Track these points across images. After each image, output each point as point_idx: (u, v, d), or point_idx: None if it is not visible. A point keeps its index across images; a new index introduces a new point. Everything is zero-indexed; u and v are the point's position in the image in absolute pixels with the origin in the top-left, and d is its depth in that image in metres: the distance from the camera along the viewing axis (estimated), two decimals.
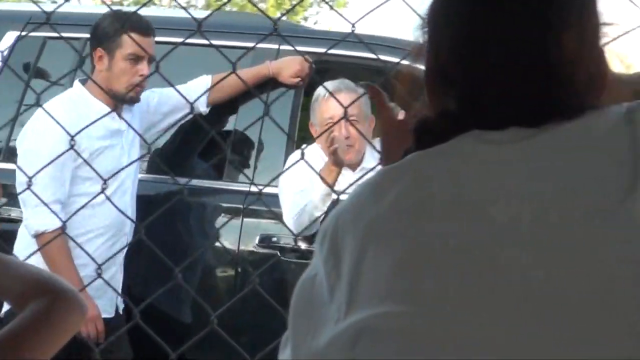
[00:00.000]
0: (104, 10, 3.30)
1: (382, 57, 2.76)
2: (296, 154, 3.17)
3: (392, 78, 2.38)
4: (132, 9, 4.01)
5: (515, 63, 0.93)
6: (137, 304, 3.15)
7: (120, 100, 3.12)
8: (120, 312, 3.22)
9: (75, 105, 2.95)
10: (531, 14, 0.93)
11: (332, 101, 3.07)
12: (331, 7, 2.82)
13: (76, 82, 3.15)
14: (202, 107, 3.40)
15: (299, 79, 3.41)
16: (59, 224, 2.89)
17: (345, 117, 2.53)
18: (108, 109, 3.05)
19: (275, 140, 3.39)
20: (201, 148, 3.60)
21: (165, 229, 3.25)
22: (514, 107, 0.92)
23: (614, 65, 1.02)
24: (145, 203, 3.21)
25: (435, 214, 0.90)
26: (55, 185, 2.91)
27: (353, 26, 1.97)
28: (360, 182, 0.98)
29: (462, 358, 0.84)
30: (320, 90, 3.22)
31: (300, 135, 3.67)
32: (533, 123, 0.91)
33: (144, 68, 3.11)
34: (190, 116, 3.31)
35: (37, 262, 2.87)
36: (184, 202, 3.28)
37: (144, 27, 3.11)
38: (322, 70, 3.46)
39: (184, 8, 2.42)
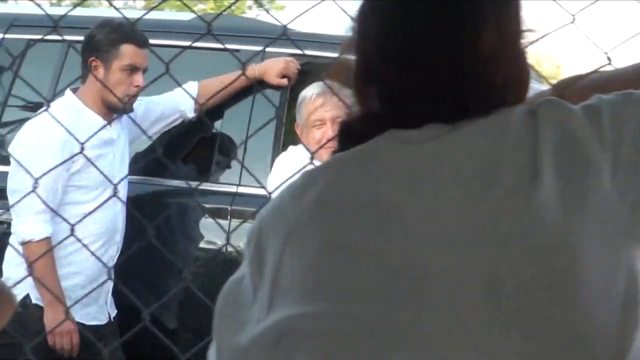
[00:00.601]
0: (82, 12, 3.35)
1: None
2: (284, 156, 3.22)
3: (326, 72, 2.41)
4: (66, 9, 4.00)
5: (432, 61, 0.95)
6: (126, 310, 3.20)
7: (114, 110, 3.17)
8: (112, 319, 3.25)
9: (68, 114, 2.99)
10: (449, 14, 0.95)
11: (320, 103, 3.12)
12: (262, 8, 2.85)
13: (68, 91, 3.20)
14: (190, 113, 3.45)
15: (285, 78, 3.46)
16: (46, 233, 2.94)
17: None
18: (100, 118, 3.10)
19: (261, 141, 3.42)
20: (187, 151, 3.65)
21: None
22: (430, 105, 0.94)
23: (545, 67, 1.06)
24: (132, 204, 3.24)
25: (352, 216, 0.92)
26: (48, 194, 2.95)
27: (285, 28, 2.03)
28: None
29: (381, 357, 0.86)
30: (306, 92, 3.25)
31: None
32: (449, 120, 0.93)
33: (139, 79, 3.16)
34: (179, 122, 3.38)
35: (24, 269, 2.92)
36: (167, 204, 3.33)
37: (140, 39, 3.16)
38: (306, 71, 3.50)
39: (117, 9, 2.44)
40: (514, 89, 0.97)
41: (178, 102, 3.35)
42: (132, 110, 3.22)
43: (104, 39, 3.14)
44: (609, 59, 2.04)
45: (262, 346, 0.90)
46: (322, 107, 3.15)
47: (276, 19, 2.24)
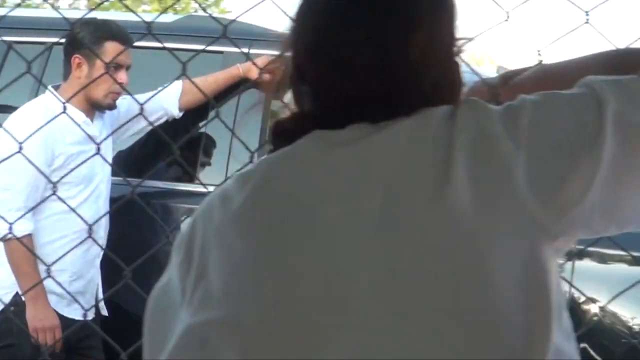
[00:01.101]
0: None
1: None
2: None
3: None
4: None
5: (360, 63, 0.96)
6: (111, 306, 3.21)
7: (97, 108, 3.18)
8: (102, 316, 3.26)
9: (49, 112, 3.00)
10: (379, 18, 0.96)
11: None
12: (203, 9, 2.86)
13: (48, 89, 3.21)
14: (175, 111, 3.46)
15: (270, 75, 3.46)
16: (27, 230, 2.96)
17: None
18: (82, 115, 3.11)
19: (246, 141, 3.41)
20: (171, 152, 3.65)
21: (136, 231, 3.31)
22: (356, 106, 0.96)
23: (485, 67, 1.07)
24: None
25: (273, 218, 0.93)
26: (29, 191, 2.96)
27: (225, 27, 2.04)
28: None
29: (303, 355, 0.87)
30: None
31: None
32: (374, 121, 0.94)
33: (123, 76, 3.17)
34: (163, 121, 3.38)
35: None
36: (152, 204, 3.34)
37: (124, 36, 3.17)
38: None
39: (55, 8, 2.46)
40: (443, 93, 0.98)
41: (162, 100, 3.36)
42: (115, 107, 3.23)
43: (88, 37, 3.15)
44: (540, 57, 2.05)
45: (189, 348, 0.91)
46: None
47: (215, 18, 2.25)
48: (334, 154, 0.94)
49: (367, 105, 0.95)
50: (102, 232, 3.19)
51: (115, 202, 3.19)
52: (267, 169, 0.98)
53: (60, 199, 2.60)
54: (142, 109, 2.34)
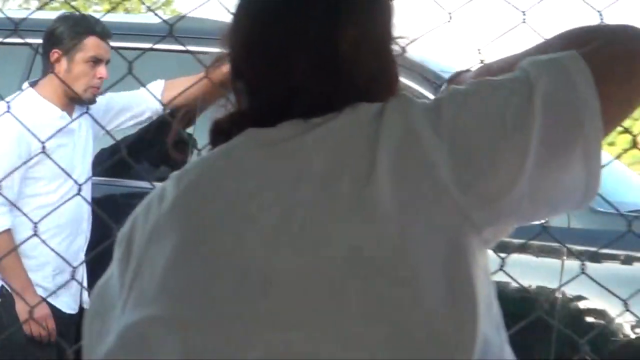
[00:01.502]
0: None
1: None
2: None
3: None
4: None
5: (291, 60, 0.97)
6: None
7: (77, 102, 3.20)
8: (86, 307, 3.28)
9: (24, 107, 3.01)
10: (310, 15, 0.98)
11: None
12: (149, 8, 2.87)
13: (25, 85, 3.23)
14: (157, 105, 3.46)
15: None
16: (6, 225, 2.98)
17: None
18: (59, 110, 3.13)
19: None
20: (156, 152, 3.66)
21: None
22: (289, 103, 0.97)
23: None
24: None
25: (206, 217, 0.94)
26: (5, 187, 2.98)
27: (171, 27, 2.06)
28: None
29: (234, 353, 0.88)
30: None
31: None
32: (307, 117, 0.95)
33: (102, 71, 3.19)
34: (146, 117, 3.40)
35: None
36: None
37: (103, 31, 3.19)
38: None
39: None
40: (379, 88, 0.99)
41: (144, 95, 3.38)
42: (94, 101, 3.25)
43: (66, 32, 3.17)
44: (480, 54, 2.07)
45: (127, 347, 0.92)
46: None
47: (161, 17, 2.26)
48: (265, 153, 0.95)
49: (300, 103, 0.96)
50: (84, 224, 3.21)
51: (99, 202, 3.21)
52: (200, 167, 0.99)
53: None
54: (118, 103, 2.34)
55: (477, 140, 0.92)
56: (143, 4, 4.02)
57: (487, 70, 1.12)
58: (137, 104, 3.39)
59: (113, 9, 4.62)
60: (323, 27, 0.97)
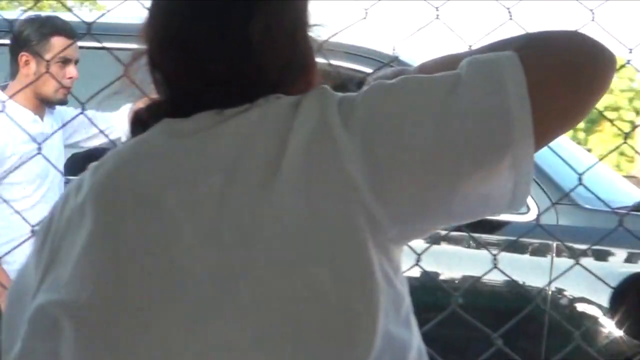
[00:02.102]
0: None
1: None
2: None
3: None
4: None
5: (203, 51, 0.98)
6: None
7: (48, 104, 3.18)
8: None
9: None
10: (219, 5, 0.98)
11: None
12: (69, 10, 2.82)
13: None
14: (121, 135, 3.40)
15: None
16: None
17: None
18: (30, 113, 3.11)
19: None
20: None
21: None
22: (202, 93, 0.97)
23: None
24: None
25: (117, 207, 0.94)
26: None
27: (89, 25, 2.06)
28: None
29: (134, 344, 0.89)
30: None
31: None
32: (221, 108, 0.96)
33: (72, 71, 3.17)
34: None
35: None
36: None
37: (69, 30, 3.16)
38: None
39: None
40: (293, 77, 1.00)
41: (114, 123, 3.32)
42: (66, 102, 3.23)
43: (33, 33, 3.14)
44: (394, 52, 2.08)
45: (38, 333, 0.93)
46: None
47: (79, 17, 2.24)
48: (179, 143, 0.96)
49: (214, 94, 0.97)
50: None
51: None
52: (115, 158, 1.00)
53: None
54: (83, 107, 2.32)
55: (392, 140, 0.89)
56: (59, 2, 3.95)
57: (451, 60, 1.08)
58: (110, 130, 3.32)
59: (36, 5, 4.56)
60: (235, 17, 0.98)
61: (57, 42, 3.13)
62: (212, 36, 0.97)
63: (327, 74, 1.06)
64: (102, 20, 2.34)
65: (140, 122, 1.02)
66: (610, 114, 19.43)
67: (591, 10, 2.19)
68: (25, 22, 3.17)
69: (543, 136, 0.92)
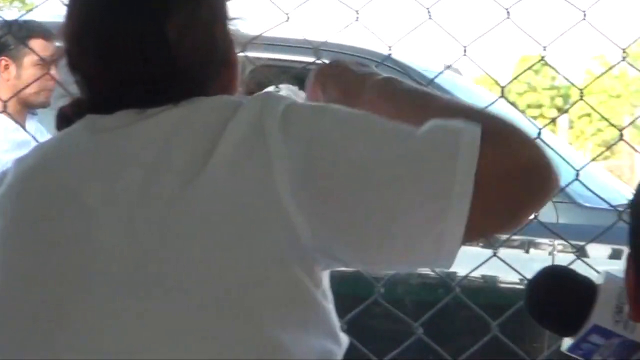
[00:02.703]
0: None
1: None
2: None
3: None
4: None
5: (121, 50, 0.98)
6: None
7: (32, 106, 3.16)
8: None
9: None
10: (139, 4, 0.98)
11: None
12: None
13: None
14: None
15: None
16: None
17: None
18: (13, 123, 3.09)
19: None
20: None
21: None
22: (121, 92, 0.97)
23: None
24: None
25: (35, 202, 0.96)
26: None
27: (10, 26, 2.06)
28: None
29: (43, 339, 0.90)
30: None
31: None
32: (142, 106, 0.96)
33: (53, 72, 3.14)
34: None
35: None
36: None
37: (47, 32, 3.14)
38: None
39: None
40: (214, 72, 1.00)
41: None
42: (49, 104, 3.21)
43: (11, 38, 3.12)
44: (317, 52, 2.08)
45: None
46: None
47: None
48: (100, 139, 0.97)
49: (134, 93, 0.97)
50: None
51: None
52: (37, 152, 1.02)
53: None
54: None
55: (330, 163, 0.89)
56: None
57: (391, 93, 1.05)
58: None
59: None
60: (151, 15, 0.98)
61: (36, 45, 3.10)
62: (128, 35, 0.97)
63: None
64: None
65: (65, 119, 1.02)
66: (533, 111, 19.67)
67: (507, 9, 2.19)
68: (1, 27, 3.14)
69: (473, 231, 0.89)
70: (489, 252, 2.38)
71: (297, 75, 3.27)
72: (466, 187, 0.86)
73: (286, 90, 3.22)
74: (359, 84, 1.07)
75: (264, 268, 0.88)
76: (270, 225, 0.88)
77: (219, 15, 1.02)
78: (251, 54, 3.00)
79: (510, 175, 0.89)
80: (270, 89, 2.66)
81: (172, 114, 0.95)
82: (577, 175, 2.39)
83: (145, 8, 0.98)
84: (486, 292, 3.02)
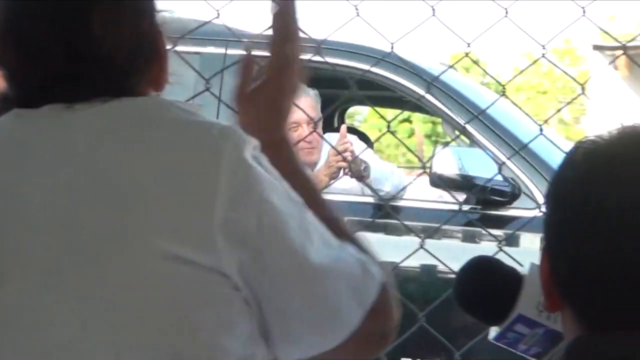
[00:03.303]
0: None
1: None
2: None
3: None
4: None
5: (45, 45, 0.97)
6: None
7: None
8: None
9: None
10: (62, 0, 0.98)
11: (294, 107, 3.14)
12: None
13: None
14: None
15: None
16: None
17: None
18: None
19: None
20: None
21: None
22: (47, 87, 0.97)
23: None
24: None
25: None
26: None
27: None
28: None
29: None
30: None
31: None
32: (68, 101, 0.96)
33: None
34: None
35: None
36: None
37: None
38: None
39: None
40: (142, 66, 1.00)
41: None
42: None
43: None
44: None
45: None
46: (297, 110, 3.15)
47: None
48: (25, 133, 0.97)
49: (60, 88, 0.97)
50: None
51: None
52: None
53: None
54: None
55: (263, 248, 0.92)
56: None
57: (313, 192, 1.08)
58: None
59: None
60: (75, 10, 0.98)
61: None
62: (52, 30, 0.97)
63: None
64: None
65: None
66: None
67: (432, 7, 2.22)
68: None
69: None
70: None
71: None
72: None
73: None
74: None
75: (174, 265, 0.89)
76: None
77: (146, 8, 1.02)
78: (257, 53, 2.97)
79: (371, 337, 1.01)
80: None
81: (100, 113, 0.95)
82: (500, 169, 2.41)
83: (70, 3, 0.97)
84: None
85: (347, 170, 3.07)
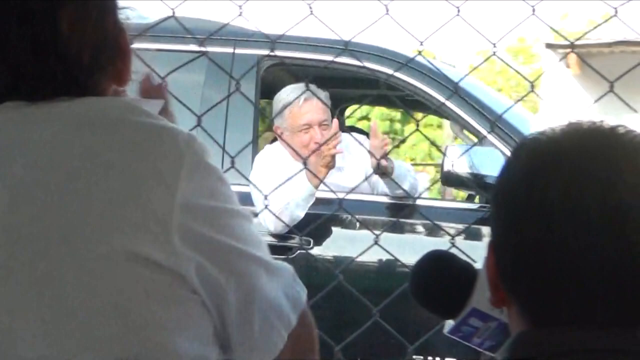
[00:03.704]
0: None
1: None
2: (262, 154, 3.22)
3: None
4: None
5: (11, 43, 0.97)
6: None
7: None
8: None
9: None
10: None
11: (307, 107, 3.19)
12: None
13: None
14: None
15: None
16: None
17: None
18: None
19: (239, 140, 3.16)
20: None
21: None
22: (11, 84, 0.98)
23: None
24: None
25: None
26: None
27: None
28: None
29: None
30: (287, 96, 3.23)
31: None
32: (31, 99, 0.97)
33: None
34: None
35: None
36: None
37: None
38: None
39: None
40: (105, 61, 1.01)
41: None
42: None
43: None
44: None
45: None
46: (309, 112, 3.20)
47: None
48: None
49: (24, 85, 0.97)
50: None
51: None
52: None
53: None
54: None
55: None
56: None
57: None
58: None
59: None
60: (42, 7, 0.97)
61: None
62: (21, 28, 0.97)
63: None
64: None
65: None
66: None
67: (385, 5, 2.23)
68: None
69: None
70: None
71: (319, 75, 3.27)
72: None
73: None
74: None
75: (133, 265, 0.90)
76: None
77: (110, 6, 1.03)
78: (279, 52, 2.98)
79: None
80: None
81: (62, 111, 0.95)
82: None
83: (35, 2, 0.97)
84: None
85: (376, 169, 3.08)
